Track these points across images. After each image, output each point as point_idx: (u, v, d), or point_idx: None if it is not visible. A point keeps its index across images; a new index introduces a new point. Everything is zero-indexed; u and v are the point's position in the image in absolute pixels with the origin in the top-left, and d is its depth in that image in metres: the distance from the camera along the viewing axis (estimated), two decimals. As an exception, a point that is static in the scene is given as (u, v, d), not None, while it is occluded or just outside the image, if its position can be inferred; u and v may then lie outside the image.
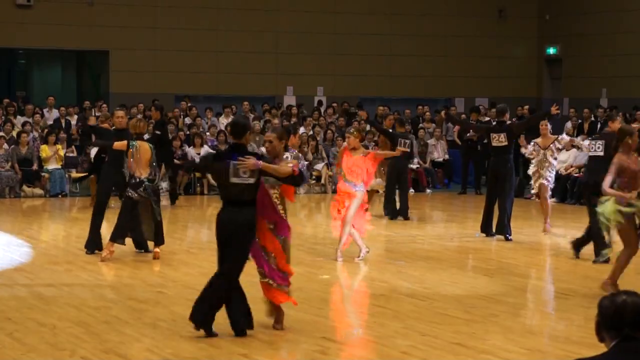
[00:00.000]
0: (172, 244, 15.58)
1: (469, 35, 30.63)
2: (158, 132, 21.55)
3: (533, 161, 17.12)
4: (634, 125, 20.78)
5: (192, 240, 16.84)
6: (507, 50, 31.13)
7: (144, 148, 13.71)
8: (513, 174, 16.30)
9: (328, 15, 29.53)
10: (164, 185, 22.22)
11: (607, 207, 10.83)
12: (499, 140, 16.05)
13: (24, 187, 22.76)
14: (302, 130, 25.33)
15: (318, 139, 25.26)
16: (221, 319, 9.06)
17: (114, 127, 15.22)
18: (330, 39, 29.52)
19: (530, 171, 17.27)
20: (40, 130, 24.21)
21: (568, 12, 30.85)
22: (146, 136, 14.78)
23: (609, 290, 10.61)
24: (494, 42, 30.97)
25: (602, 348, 4.79)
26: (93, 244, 14.24)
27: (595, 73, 29.73)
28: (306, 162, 22.98)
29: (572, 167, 22.72)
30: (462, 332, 9.45)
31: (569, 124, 26.52)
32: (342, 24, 29.57)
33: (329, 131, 25.63)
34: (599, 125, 25.59)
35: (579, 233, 14.54)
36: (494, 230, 16.24)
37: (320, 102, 29.04)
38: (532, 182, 17.33)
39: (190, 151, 23.84)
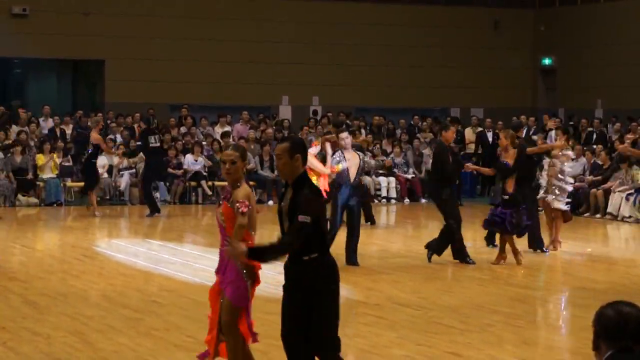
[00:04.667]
0: (167, 253, 15.57)
1: (464, 45, 30.64)
2: (139, 143, 22.06)
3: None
4: (629, 136, 20.84)
5: (187, 249, 16.79)
6: (503, 60, 31.15)
7: None
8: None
9: (324, 26, 29.53)
10: (157, 195, 22.17)
11: None
12: None
13: (19, 196, 22.72)
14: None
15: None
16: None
17: None
18: (326, 49, 29.53)
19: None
20: (35, 140, 24.18)
21: (563, 23, 30.89)
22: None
23: None
24: (489, 53, 31.00)
25: (597, 358, 4.77)
26: None
27: (590, 83, 29.76)
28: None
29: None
30: (458, 342, 9.44)
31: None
32: (337, 34, 29.57)
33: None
34: (594, 136, 25.63)
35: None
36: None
37: (315, 112, 29.07)
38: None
39: (188, 159, 23.75)
